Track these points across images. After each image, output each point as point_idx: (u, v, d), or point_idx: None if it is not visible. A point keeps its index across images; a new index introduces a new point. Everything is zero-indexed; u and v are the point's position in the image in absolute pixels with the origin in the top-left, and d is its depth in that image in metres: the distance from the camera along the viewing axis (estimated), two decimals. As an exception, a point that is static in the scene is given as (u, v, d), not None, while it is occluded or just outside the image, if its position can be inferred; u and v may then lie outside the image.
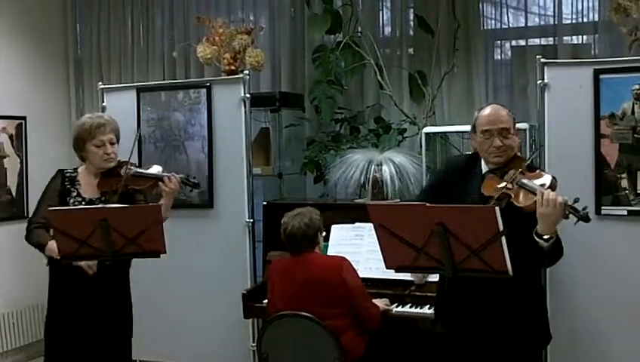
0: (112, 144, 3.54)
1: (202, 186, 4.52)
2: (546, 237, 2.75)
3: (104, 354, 3.50)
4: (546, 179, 2.89)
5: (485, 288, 2.92)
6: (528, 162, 2.99)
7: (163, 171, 3.58)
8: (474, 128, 3.12)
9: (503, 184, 2.89)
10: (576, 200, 2.71)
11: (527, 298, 3.03)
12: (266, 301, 3.99)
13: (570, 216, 2.71)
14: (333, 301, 3.48)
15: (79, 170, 3.63)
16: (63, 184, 3.57)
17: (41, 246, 3.45)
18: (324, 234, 3.76)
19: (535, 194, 2.78)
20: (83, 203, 3.50)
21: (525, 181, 2.86)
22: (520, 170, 2.90)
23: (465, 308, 3.03)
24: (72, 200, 3.52)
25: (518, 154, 3.09)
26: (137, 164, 3.63)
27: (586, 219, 2.70)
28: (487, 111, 3.10)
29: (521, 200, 2.82)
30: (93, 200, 3.52)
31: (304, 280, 3.52)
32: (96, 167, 3.55)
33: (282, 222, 3.65)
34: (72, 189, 3.55)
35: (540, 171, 2.99)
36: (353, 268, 3.61)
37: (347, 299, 3.50)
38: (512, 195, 2.85)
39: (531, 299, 3.07)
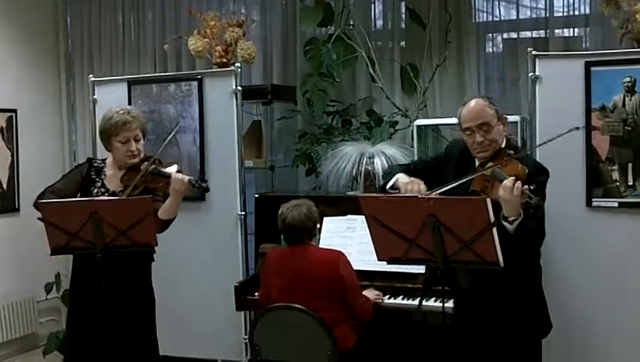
0: (136, 141, 3.52)
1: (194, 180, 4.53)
2: (510, 219, 2.77)
3: (127, 349, 3.51)
4: (517, 169, 2.88)
5: (481, 277, 2.93)
6: (507, 157, 2.96)
7: (178, 171, 3.50)
8: (460, 125, 3.14)
9: (481, 177, 2.91)
10: (531, 189, 2.72)
11: (523, 286, 3.04)
12: (258, 293, 4.01)
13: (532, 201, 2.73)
14: (328, 294, 3.49)
15: (107, 161, 3.64)
16: (89, 172, 3.59)
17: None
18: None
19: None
20: (106, 194, 3.49)
21: (497, 171, 2.87)
22: (497, 163, 2.91)
23: (463, 298, 3.04)
24: (95, 190, 3.53)
25: (503, 146, 3.07)
26: (160, 162, 3.59)
27: (536, 206, 2.71)
28: (466, 108, 3.11)
29: (494, 191, 2.82)
30: (115, 193, 3.51)
31: (299, 273, 3.53)
32: (119, 162, 3.55)
33: (280, 212, 3.65)
34: (97, 179, 3.57)
35: (517, 162, 2.94)
36: (349, 262, 3.62)
37: (341, 293, 3.52)
38: (490, 188, 2.86)
39: (528, 287, 3.07)
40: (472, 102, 3.12)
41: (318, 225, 3.73)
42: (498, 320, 3.02)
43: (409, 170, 3.28)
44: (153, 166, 3.48)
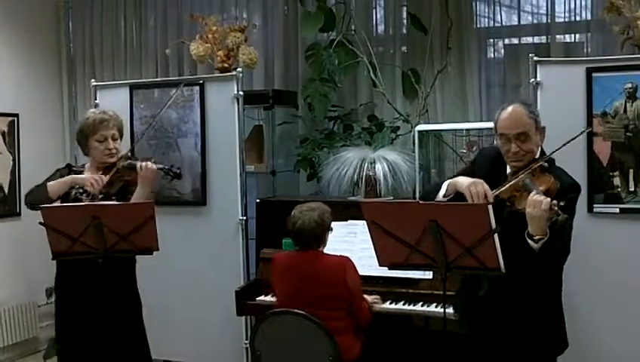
0: (114, 140, 3.58)
1: (196, 184, 4.55)
2: (536, 238, 2.69)
3: (117, 353, 3.51)
4: (548, 183, 2.77)
5: (500, 286, 2.89)
6: (539, 164, 2.85)
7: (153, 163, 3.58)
8: (495, 128, 3.00)
9: (512, 185, 2.82)
10: (560, 205, 2.63)
11: (542, 301, 2.95)
12: (259, 298, 4.02)
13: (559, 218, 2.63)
14: (334, 302, 3.49)
15: (86, 166, 3.69)
16: (68, 175, 3.62)
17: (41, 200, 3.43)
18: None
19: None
20: (84, 194, 3.51)
21: (528, 182, 2.77)
22: (528, 172, 2.81)
23: (480, 307, 3.02)
24: (74, 191, 3.54)
25: (537, 156, 2.93)
26: (136, 157, 3.64)
27: (562, 224, 2.62)
28: (504, 113, 2.94)
29: (522, 202, 2.73)
30: (94, 194, 3.52)
31: (307, 279, 3.52)
32: (97, 162, 3.59)
33: (292, 214, 3.63)
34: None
35: (550, 175, 2.83)
36: (355, 268, 3.61)
37: (348, 299, 3.51)
38: (519, 198, 2.76)
39: (547, 302, 2.97)
40: (510, 108, 2.93)
41: (330, 233, 3.68)
42: (514, 332, 2.93)
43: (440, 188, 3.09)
44: (128, 161, 3.55)
